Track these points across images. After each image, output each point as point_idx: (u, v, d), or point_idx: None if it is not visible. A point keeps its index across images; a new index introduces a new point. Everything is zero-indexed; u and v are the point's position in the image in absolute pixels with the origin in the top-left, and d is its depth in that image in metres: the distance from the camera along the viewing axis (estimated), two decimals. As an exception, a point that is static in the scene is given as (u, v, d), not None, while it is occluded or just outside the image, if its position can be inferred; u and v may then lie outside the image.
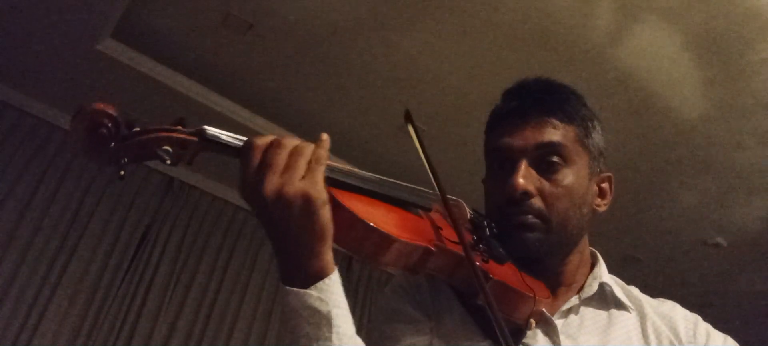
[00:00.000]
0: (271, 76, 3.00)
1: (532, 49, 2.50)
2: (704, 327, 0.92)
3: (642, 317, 0.92)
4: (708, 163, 2.97)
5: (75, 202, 3.33)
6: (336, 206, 0.71)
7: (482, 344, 0.84)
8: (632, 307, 0.93)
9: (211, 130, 0.70)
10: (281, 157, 0.68)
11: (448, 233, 0.81)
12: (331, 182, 0.73)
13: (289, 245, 0.69)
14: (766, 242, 3.48)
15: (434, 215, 0.85)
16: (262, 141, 0.70)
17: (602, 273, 0.95)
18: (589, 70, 2.53)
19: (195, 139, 0.69)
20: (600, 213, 0.97)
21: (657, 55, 2.43)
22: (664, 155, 2.99)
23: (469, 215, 0.90)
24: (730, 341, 0.92)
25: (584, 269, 0.96)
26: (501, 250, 0.86)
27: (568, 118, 0.91)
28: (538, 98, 0.92)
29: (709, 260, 3.79)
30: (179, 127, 0.70)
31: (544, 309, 0.87)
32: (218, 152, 0.71)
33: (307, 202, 0.66)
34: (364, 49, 2.70)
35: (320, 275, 0.69)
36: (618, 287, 0.95)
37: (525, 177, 0.87)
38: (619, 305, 0.92)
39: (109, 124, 0.65)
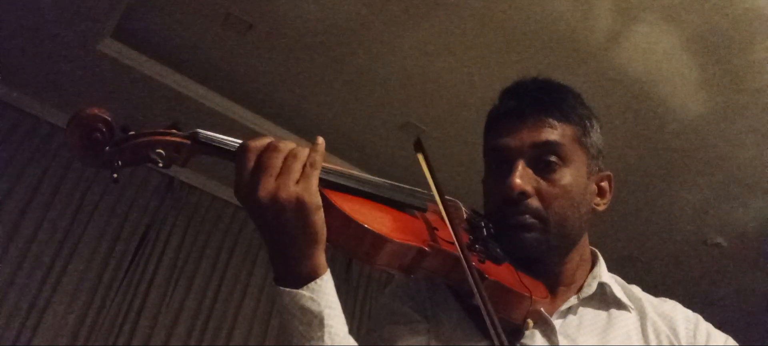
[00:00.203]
0: (271, 76, 3.01)
1: (532, 49, 2.50)
2: (705, 327, 0.92)
3: (642, 317, 0.91)
4: (708, 163, 2.97)
5: (75, 202, 3.33)
6: (330, 207, 0.72)
7: (480, 344, 0.84)
8: (632, 306, 0.92)
9: (205, 133, 0.71)
10: (277, 161, 0.69)
11: (444, 233, 0.81)
12: (325, 183, 0.74)
13: (282, 247, 0.70)
14: (766, 242, 3.48)
15: (430, 216, 0.85)
16: (258, 144, 0.70)
17: (602, 273, 0.95)
18: (589, 70, 2.53)
19: (188, 142, 0.70)
20: (599, 212, 0.97)
21: (657, 55, 2.43)
22: (664, 155, 2.99)
23: (465, 216, 0.90)
24: (731, 341, 0.91)
25: (584, 268, 0.96)
26: (498, 250, 0.86)
27: (565, 117, 0.91)
28: (535, 98, 0.92)
29: (709, 260, 3.79)
30: (173, 131, 0.71)
31: (542, 309, 0.87)
32: (212, 155, 0.72)
33: (301, 206, 0.67)
34: (364, 49, 2.70)
35: (312, 275, 0.70)
36: (618, 286, 0.95)
37: (522, 177, 0.87)
38: (619, 305, 0.92)
39: (104, 129, 0.67)
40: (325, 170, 0.74)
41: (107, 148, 0.67)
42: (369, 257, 0.74)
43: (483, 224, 0.88)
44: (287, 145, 0.70)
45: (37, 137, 3.30)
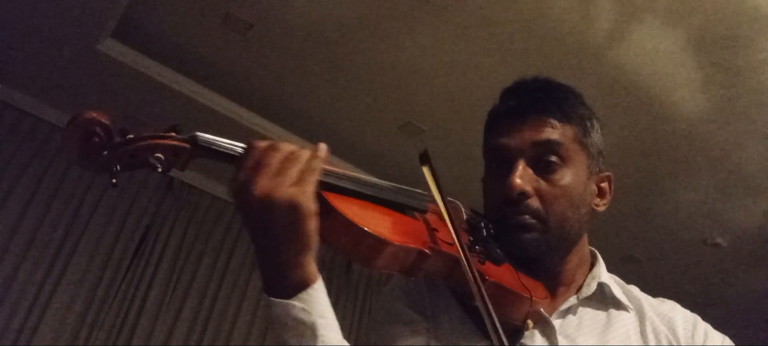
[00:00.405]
0: (271, 76, 3.01)
1: (532, 49, 2.50)
2: (703, 327, 0.92)
3: (641, 317, 0.91)
4: (708, 163, 2.97)
5: (75, 202, 3.33)
6: (329, 210, 0.71)
7: (480, 344, 0.84)
8: (631, 307, 0.92)
9: (204, 136, 0.70)
10: (275, 161, 0.68)
11: (444, 234, 0.81)
12: (324, 185, 0.73)
13: (272, 252, 0.68)
14: (766, 242, 3.48)
15: (430, 217, 0.85)
16: (260, 143, 0.69)
17: (601, 273, 0.95)
18: (589, 70, 2.53)
19: (187, 146, 0.69)
20: (599, 213, 0.97)
21: (657, 55, 2.43)
22: (664, 155, 2.99)
23: (465, 216, 0.90)
24: (728, 341, 0.91)
25: (583, 268, 0.96)
26: (498, 251, 0.86)
27: (566, 117, 0.91)
28: (536, 97, 0.92)
29: (709, 260, 3.79)
30: (172, 134, 0.70)
31: (541, 309, 0.87)
32: (211, 159, 0.71)
33: (294, 209, 0.66)
34: (364, 49, 2.70)
35: (303, 285, 0.68)
36: (617, 286, 0.95)
37: (522, 177, 0.87)
38: (618, 305, 0.92)
39: (102, 133, 0.66)
40: (325, 172, 0.73)
41: (105, 152, 0.66)
42: (369, 259, 0.73)
43: (483, 225, 0.88)
44: (288, 146, 0.69)
45: (37, 137, 3.30)
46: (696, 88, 2.56)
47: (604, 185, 0.97)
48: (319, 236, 0.72)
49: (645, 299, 0.95)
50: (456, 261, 0.78)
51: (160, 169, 0.68)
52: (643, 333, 0.89)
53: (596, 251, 0.99)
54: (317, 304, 0.68)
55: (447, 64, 2.70)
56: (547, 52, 2.49)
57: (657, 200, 3.35)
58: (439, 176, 0.86)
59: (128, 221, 3.47)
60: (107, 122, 0.66)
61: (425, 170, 0.86)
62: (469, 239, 0.85)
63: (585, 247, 0.97)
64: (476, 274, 0.75)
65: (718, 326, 0.94)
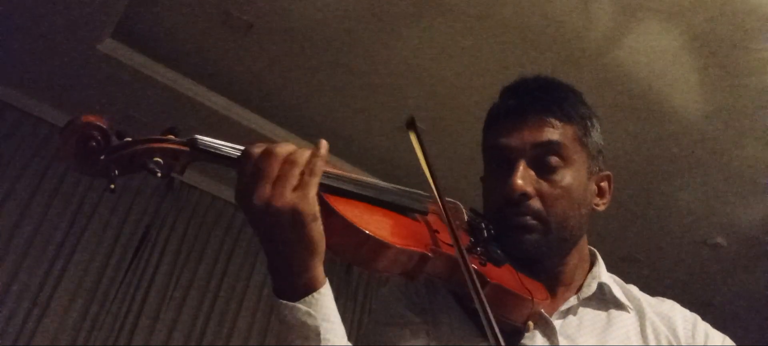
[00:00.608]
0: (271, 76, 3.00)
1: (532, 49, 2.50)
2: (703, 327, 0.92)
3: (641, 317, 0.91)
4: (708, 163, 2.97)
5: (75, 202, 3.33)
6: (330, 213, 0.70)
7: (480, 345, 0.84)
8: (631, 307, 0.92)
9: (203, 139, 0.69)
10: (273, 167, 0.66)
11: (446, 236, 0.81)
12: (325, 188, 0.73)
13: (278, 257, 0.68)
14: (766, 242, 3.48)
15: (431, 218, 0.85)
16: (256, 149, 0.68)
17: (601, 273, 0.95)
18: (590, 70, 2.53)
19: (186, 149, 0.68)
20: (599, 212, 0.97)
21: (657, 55, 2.43)
22: (664, 155, 2.99)
23: (466, 217, 0.89)
24: (728, 341, 0.91)
25: (583, 268, 0.96)
26: (499, 252, 0.86)
27: (566, 117, 0.90)
28: (536, 97, 0.92)
29: (709, 260, 3.79)
30: (170, 137, 0.68)
31: (542, 310, 0.87)
32: (211, 162, 0.70)
33: (297, 216, 0.65)
34: (364, 48, 2.70)
35: (310, 288, 0.68)
36: (617, 286, 0.95)
37: (523, 178, 0.87)
38: (618, 305, 0.92)
39: (99, 137, 0.64)
40: (325, 175, 0.72)
41: (103, 156, 0.65)
42: (371, 263, 0.73)
43: (483, 226, 0.88)
44: (285, 149, 0.68)
45: (37, 137, 3.30)
46: (696, 88, 2.56)
47: (604, 184, 0.97)
48: None
49: (644, 298, 0.95)
50: (457, 263, 0.78)
51: (158, 174, 0.66)
52: (643, 333, 0.89)
53: (596, 250, 0.99)
54: (323, 308, 0.69)
55: (447, 65, 2.70)
56: (548, 51, 2.49)
57: (657, 200, 3.35)
58: (425, 143, 0.85)
59: (128, 221, 3.47)
60: (104, 126, 0.65)
61: (412, 136, 0.86)
62: (470, 241, 0.85)
63: (585, 247, 0.97)
64: (475, 278, 0.74)
65: (718, 326, 0.94)
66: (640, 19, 2.29)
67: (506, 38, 2.48)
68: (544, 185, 0.88)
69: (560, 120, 0.90)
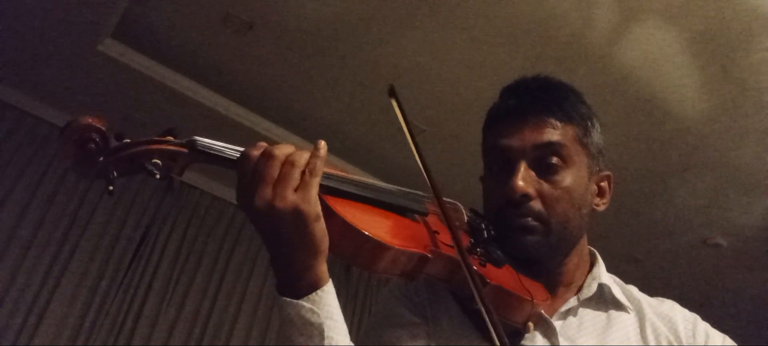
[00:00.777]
0: (271, 76, 3.00)
1: (532, 49, 2.50)
2: (703, 327, 0.92)
3: (641, 318, 0.91)
4: (708, 162, 2.97)
5: (75, 202, 3.33)
6: (330, 214, 0.71)
7: (481, 345, 0.84)
8: (631, 308, 0.92)
9: (202, 141, 0.68)
10: (273, 169, 0.66)
11: (445, 237, 0.81)
12: (325, 189, 0.73)
13: (282, 257, 0.68)
14: (766, 242, 3.48)
15: (431, 219, 0.84)
16: (255, 151, 0.68)
17: (601, 273, 0.95)
18: (590, 70, 2.53)
19: (185, 150, 0.68)
20: (599, 212, 0.97)
21: (657, 55, 2.43)
22: (664, 155, 2.99)
23: (466, 218, 0.89)
24: (729, 341, 0.91)
25: (583, 268, 0.96)
26: (499, 253, 0.86)
27: (567, 117, 0.90)
28: (536, 97, 0.91)
29: (709, 260, 3.79)
30: (169, 138, 0.68)
31: (542, 311, 0.87)
32: (210, 163, 0.70)
33: (298, 217, 0.65)
34: (364, 49, 2.70)
35: (313, 286, 0.69)
36: (617, 287, 0.95)
37: (524, 179, 0.86)
38: (618, 306, 0.92)
39: (98, 139, 0.64)
40: (325, 176, 0.72)
41: (102, 158, 0.65)
42: (371, 264, 0.73)
43: (483, 226, 0.88)
44: (285, 150, 0.68)
45: (37, 137, 3.30)
46: (696, 88, 2.56)
47: (604, 184, 0.97)
48: None
49: (644, 299, 0.95)
50: (457, 264, 0.78)
51: (157, 176, 0.66)
52: (642, 334, 0.89)
53: (595, 251, 0.99)
54: (326, 306, 0.69)
55: (447, 64, 2.70)
56: (548, 51, 2.49)
57: (657, 200, 3.35)
58: (406, 112, 0.86)
59: (128, 221, 3.47)
60: (103, 128, 0.65)
61: (393, 104, 0.86)
62: (470, 241, 0.85)
63: (585, 247, 0.97)
64: (478, 280, 0.74)
65: (718, 326, 0.94)
66: (640, 19, 2.29)
67: (506, 38, 2.48)
68: (545, 186, 0.88)
69: (560, 120, 0.90)
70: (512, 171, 0.87)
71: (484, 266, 0.82)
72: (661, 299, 0.97)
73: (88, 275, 3.26)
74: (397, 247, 0.72)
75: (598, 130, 0.96)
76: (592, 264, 0.97)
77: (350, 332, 0.72)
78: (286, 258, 0.68)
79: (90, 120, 0.64)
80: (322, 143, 0.71)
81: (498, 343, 0.69)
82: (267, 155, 0.67)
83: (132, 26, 2.77)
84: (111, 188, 0.65)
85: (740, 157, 2.88)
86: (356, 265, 0.74)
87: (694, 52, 2.38)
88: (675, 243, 3.71)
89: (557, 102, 0.91)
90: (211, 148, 0.69)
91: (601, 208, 0.96)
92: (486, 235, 0.87)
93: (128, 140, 0.67)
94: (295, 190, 0.66)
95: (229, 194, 3.76)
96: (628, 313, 0.92)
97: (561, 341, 0.86)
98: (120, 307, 3.31)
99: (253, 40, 2.75)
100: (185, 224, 3.65)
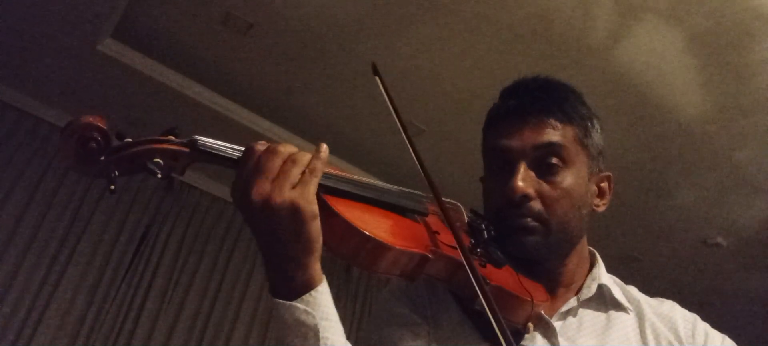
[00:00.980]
0: (271, 76, 3.01)
1: (532, 49, 2.50)
2: (703, 327, 0.92)
3: (640, 318, 0.91)
4: (708, 162, 2.97)
5: (75, 202, 3.33)
6: (331, 214, 0.70)
7: (480, 345, 0.84)
8: (631, 308, 0.92)
9: (204, 140, 0.68)
10: (274, 164, 0.66)
11: (446, 237, 0.81)
12: (326, 189, 0.73)
13: (275, 255, 0.68)
14: (766, 242, 3.48)
15: (431, 219, 0.84)
16: (258, 146, 0.68)
17: (601, 274, 0.95)
18: (589, 70, 2.53)
19: (187, 150, 0.68)
20: (599, 213, 0.97)
21: (657, 55, 2.43)
22: (663, 155, 2.99)
23: (466, 219, 0.89)
24: (728, 340, 0.91)
25: (583, 269, 0.96)
26: (499, 253, 0.86)
27: (567, 117, 0.90)
28: (536, 97, 0.91)
29: (709, 260, 3.79)
30: (170, 138, 0.68)
31: (542, 312, 0.87)
32: (211, 163, 0.69)
33: (296, 213, 0.65)
34: (364, 49, 2.70)
35: (307, 287, 0.68)
36: (617, 287, 0.95)
37: (524, 180, 0.86)
38: (618, 307, 0.92)
39: (99, 138, 0.64)
40: (325, 176, 0.72)
41: (103, 157, 0.64)
42: (371, 264, 0.73)
43: (483, 227, 0.88)
44: (288, 149, 0.68)
45: (37, 137, 3.31)
46: (696, 88, 2.56)
47: (604, 184, 0.97)
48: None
49: (644, 299, 0.95)
50: (458, 265, 0.78)
51: (159, 175, 0.66)
52: (642, 334, 0.89)
53: (595, 251, 0.99)
54: (321, 306, 0.68)
55: (447, 64, 2.70)
56: (547, 52, 2.49)
57: (657, 200, 3.35)
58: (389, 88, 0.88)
59: (128, 221, 3.47)
60: (104, 127, 0.64)
61: (378, 81, 0.87)
62: (470, 242, 0.85)
63: (584, 247, 0.97)
64: (482, 280, 0.74)
65: (718, 326, 0.94)
66: (640, 19, 2.29)
67: (506, 39, 2.48)
68: (545, 187, 0.88)
69: (560, 121, 0.90)
70: (512, 172, 0.87)
71: (484, 266, 0.82)
72: (661, 299, 0.97)
73: (88, 275, 3.27)
74: (397, 247, 0.72)
75: (598, 130, 0.95)
76: (592, 265, 0.97)
77: (350, 333, 0.72)
78: (280, 257, 0.67)
79: (91, 119, 0.64)
80: (324, 146, 0.71)
81: (504, 343, 0.69)
82: (270, 151, 0.67)
83: (132, 26, 2.77)
84: (112, 186, 0.65)
85: (740, 157, 2.88)
86: (357, 265, 0.74)
87: (694, 52, 2.38)
88: (675, 243, 3.71)
89: (557, 102, 0.91)
90: (213, 148, 0.69)
91: (601, 208, 0.96)
92: (486, 235, 0.87)
93: (129, 140, 0.66)
94: (294, 187, 0.66)
95: (230, 195, 3.76)
96: (628, 313, 0.92)
97: (561, 341, 0.86)
98: (120, 307, 3.31)
99: (253, 40, 2.75)
100: (185, 224, 3.65)
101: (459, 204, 0.90)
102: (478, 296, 0.73)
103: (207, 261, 3.64)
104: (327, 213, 0.70)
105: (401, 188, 0.84)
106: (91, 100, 3.18)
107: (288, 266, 0.67)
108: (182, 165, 0.69)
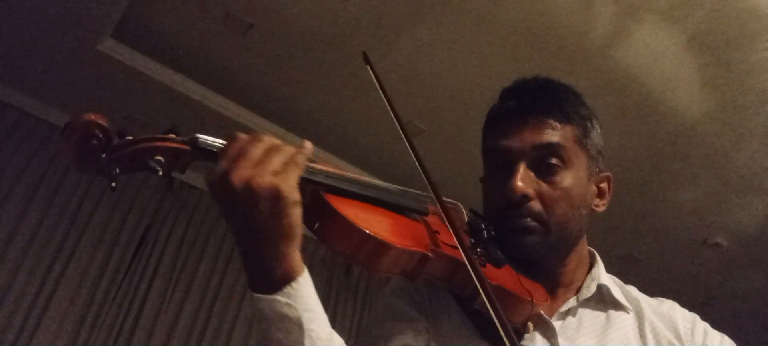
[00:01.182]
0: (271, 76, 3.01)
1: (532, 49, 2.50)
2: (702, 326, 0.92)
3: (640, 318, 0.92)
4: (708, 163, 2.97)
5: (75, 202, 3.33)
6: (331, 213, 0.70)
7: (481, 345, 0.84)
8: (630, 308, 0.93)
9: (204, 139, 0.68)
10: (257, 150, 0.66)
11: (446, 237, 0.81)
12: (326, 188, 0.73)
13: (254, 244, 0.66)
14: (766, 242, 3.48)
15: (431, 219, 0.84)
16: (242, 134, 0.68)
17: (600, 274, 0.95)
18: (589, 70, 2.53)
19: (187, 148, 0.68)
20: (598, 213, 0.97)
21: (657, 55, 2.43)
22: (663, 155, 2.99)
23: (466, 218, 0.89)
24: (727, 340, 0.92)
25: (582, 269, 0.96)
26: (499, 253, 0.86)
27: (566, 118, 0.90)
28: (536, 98, 0.92)
29: (709, 260, 3.79)
30: (171, 136, 0.68)
31: (541, 311, 0.87)
32: (211, 161, 0.69)
33: (276, 198, 0.64)
34: (364, 48, 2.69)
35: (288, 278, 0.66)
36: (616, 287, 0.95)
37: (523, 180, 0.87)
38: (618, 306, 0.92)
39: (100, 135, 0.64)
40: (325, 174, 0.73)
41: (104, 155, 0.64)
42: (372, 263, 0.73)
43: (483, 227, 0.88)
44: (273, 139, 0.68)
45: (37, 137, 3.31)
46: (696, 88, 2.56)
47: (604, 185, 0.97)
48: (321, 239, 0.72)
49: (644, 299, 0.96)
50: (458, 264, 0.78)
51: (160, 173, 0.66)
52: (641, 334, 0.90)
53: (594, 251, 1.00)
54: (303, 297, 0.67)
55: (447, 64, 2.70)
56: (547, 52, 2.49)
57: (657, 200, 3.35)
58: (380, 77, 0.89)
59: (128, 220, 3.47)
60: (105, 124, 0.64)
61: (369, 70, 0.88)
62: (470, 242, 0.85)
63: (584, 247, 0.97)
64: (484, 279, 0.74)
65: (718, 326, 0.94)
66: (640, 19, 2.29)
67: (506, 39, 2.49)
68: (545, 187, 0.88)
69: (560, 121, 0.90)
70: (512, 172, 0.87)
71: (484, 266, 0.82)
72: (660, 299, 0.97)
73: (88, 275, 3.27)
74: (398, 246, 0.72)
75: (598, 131, 0.96)
76: (592, 265, 0.98)
77: (350, 332, 0.72)
78: (259, 245, 0.66)
79: (93, 117, 0.64)
80: (308, 143, 0.71)
81: (508, 342, 0.69)
82: (255, 138, 0.67)
83: (132, 26, 2.77)
84: (114, 184, 0.65)
85: (740, 157, 2.88)
86: (357, 264, 0.74)
87: (694, 52, 2.38)
88: (675, 243, 3.71)
89: (557, 103, 0.91)
90: (213, 146, 0.69)
91: (601, 209, 0.97)
92: (486, 235, 0.87)
93: (131, 137, 0.66)
94: (276, 173, 0.65)
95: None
96: (628, 313, 0.92)
97: (560, 341, 0.86)
98: (120, 307, 3.31)
99: (253, 40, 2.75)
100: (185, 224, 3.65)
101: (459, 204, 0.90)
102: (479, 295, 0.73)
103: (207, 261, 3.64)
104: (328, 212, 0.70)
105: (401, 188, 0.84)
106: (91, 100, 3.18)
107: (267, 257, 0.66)
108: (183, 163, 0.69)
